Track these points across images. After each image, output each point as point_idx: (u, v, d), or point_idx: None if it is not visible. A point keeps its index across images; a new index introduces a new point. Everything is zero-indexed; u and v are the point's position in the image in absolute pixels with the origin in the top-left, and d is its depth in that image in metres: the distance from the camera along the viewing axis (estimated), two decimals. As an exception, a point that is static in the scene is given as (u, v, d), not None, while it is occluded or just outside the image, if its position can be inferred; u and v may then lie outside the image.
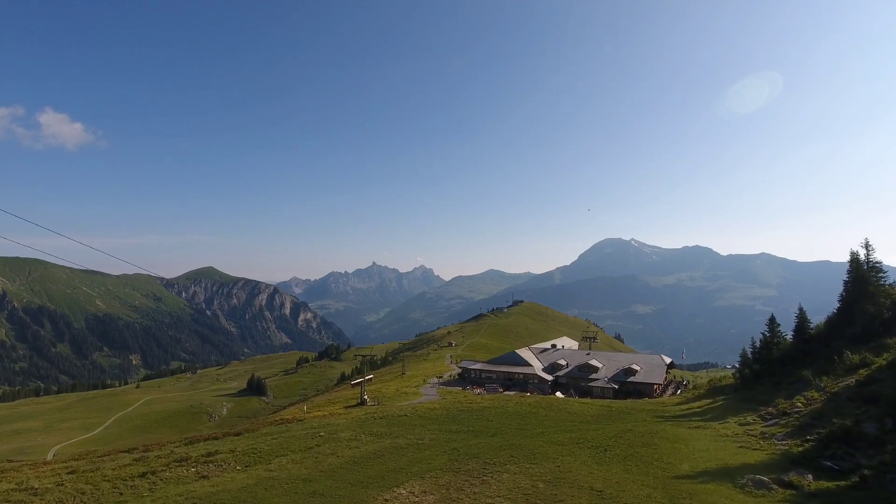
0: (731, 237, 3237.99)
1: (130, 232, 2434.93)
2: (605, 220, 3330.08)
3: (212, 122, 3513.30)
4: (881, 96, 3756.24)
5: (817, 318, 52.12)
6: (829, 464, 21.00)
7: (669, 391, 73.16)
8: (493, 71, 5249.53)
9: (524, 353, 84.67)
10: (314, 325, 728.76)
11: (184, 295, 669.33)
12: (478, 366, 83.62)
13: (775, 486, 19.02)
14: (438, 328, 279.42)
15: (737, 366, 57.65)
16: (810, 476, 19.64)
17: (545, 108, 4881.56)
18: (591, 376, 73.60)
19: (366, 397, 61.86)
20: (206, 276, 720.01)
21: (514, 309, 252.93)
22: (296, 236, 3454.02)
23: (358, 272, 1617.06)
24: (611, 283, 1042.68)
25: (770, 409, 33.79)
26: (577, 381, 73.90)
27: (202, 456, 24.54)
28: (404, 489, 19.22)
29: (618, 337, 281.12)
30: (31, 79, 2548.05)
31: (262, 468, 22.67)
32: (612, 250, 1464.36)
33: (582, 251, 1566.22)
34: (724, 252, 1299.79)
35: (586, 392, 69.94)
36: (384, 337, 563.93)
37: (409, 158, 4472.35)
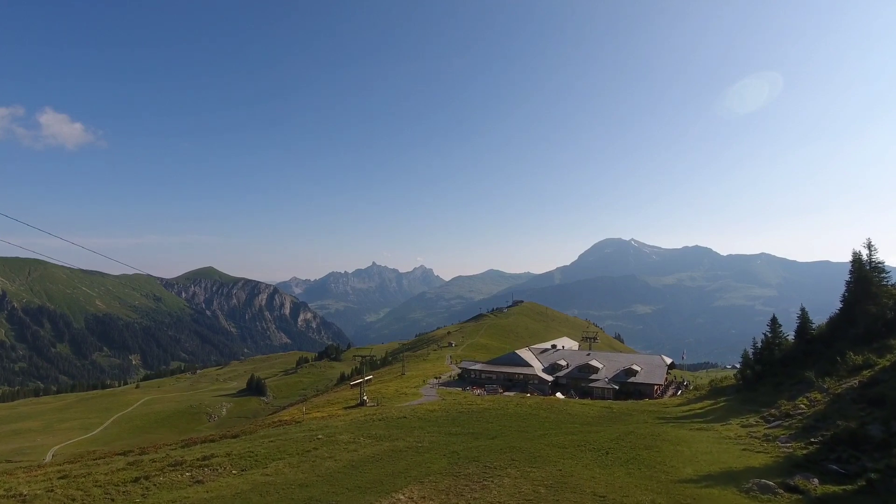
0: (731, 237, 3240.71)
1: (130, 232, 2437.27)
2: (605, 220, 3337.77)
3: (212, 122, 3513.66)
4: (881, 96, 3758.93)
5: (817, 318, 51.92)
6: (834, 467, 20.61)
7: (670, 392, 72.84)
8: (493, 71, 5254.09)
9: (524, 353, 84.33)
10: (314, 326, 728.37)
11: (183, 295, 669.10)
12: (478, 366, 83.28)
13: (781, 491, 18.65)
14: (438, 328, 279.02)
15: (737, 366, 57.44)
16: (816, 480, 19.26)
17: (545, 108, 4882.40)
18: (591, 377, 73.28)
19: (365, 398, 61.51)
20: (205, 277, 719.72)
21: (514, 309, 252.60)
22: (296, 236, 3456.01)
23: (358, 272, 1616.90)
24: (611, 283, 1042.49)
25: (773, 411, 33.45)
26: (577, 381, 73.58)
27: (197, 460, 24.14)
28: (403, 494, 18.83)
29: (618, 337, 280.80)
30: (31, 79, 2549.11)
31: (259, 472, 22.25)
32: (612, 250, 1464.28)
33: (582, 251, 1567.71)
34: (724, 252, 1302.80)
35: (587, 393, 69.64)
36: (384, 337, 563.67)
37: (409, 158, 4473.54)
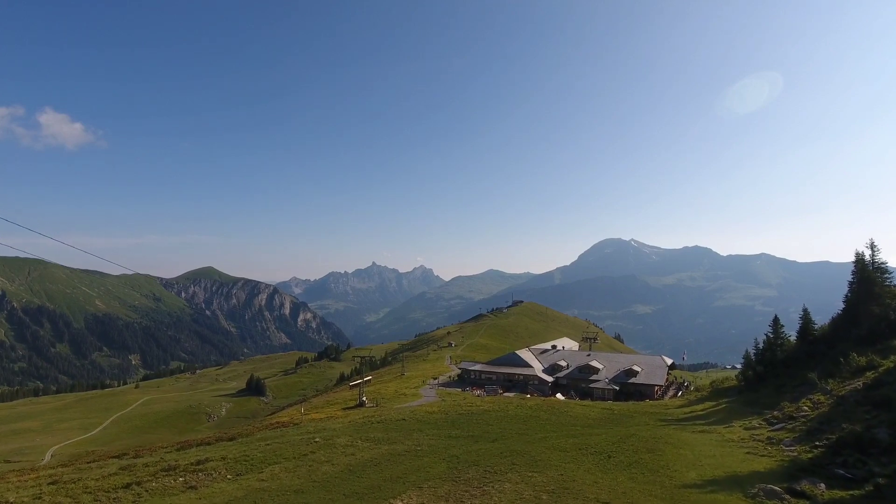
0: (731, 237, 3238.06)
1: (130, 232, 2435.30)
2: (605, 220, 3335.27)
3: (212, 122, 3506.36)
4: (881, 96, 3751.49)
5: (817, 319, 51.69)
6: (841, 472, 20.18)
7: (671, 393, 72.47)
8: (493, 71, 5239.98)
9: (524, 353, 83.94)
10: (314, 326, 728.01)
11: (183, 295, 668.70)
12: (477, 367, 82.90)
13: (787, 497, 18.23)
14: (438, 328, 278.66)
15: (737, 366, 57.30)
16: (823, 485, 18.85)
17: (545, 108, 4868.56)
18: (591, 377, 72.89)
19: (364, 399, 61.20)
20: (205, 277, 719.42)
21: (514, 309, 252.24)
22: (295, 236, 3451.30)
23: (358, 272, 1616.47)
24: (611, 284, 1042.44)
25: (776, 413, 33.07)
26: (577, 382, 73.20)
27: (192, 464, 23.67)
28: (401, 501, 18.39)
29: (617, 337, 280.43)
30: (31, 79, 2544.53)
31: (254, 477, 21.75)
32: (612, 250, 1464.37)
33: (582, 251, 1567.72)
34: (724, 252, 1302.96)
35: (587, 394, 69.29)
36: (384, 337, 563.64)
37: (410, 158, 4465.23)
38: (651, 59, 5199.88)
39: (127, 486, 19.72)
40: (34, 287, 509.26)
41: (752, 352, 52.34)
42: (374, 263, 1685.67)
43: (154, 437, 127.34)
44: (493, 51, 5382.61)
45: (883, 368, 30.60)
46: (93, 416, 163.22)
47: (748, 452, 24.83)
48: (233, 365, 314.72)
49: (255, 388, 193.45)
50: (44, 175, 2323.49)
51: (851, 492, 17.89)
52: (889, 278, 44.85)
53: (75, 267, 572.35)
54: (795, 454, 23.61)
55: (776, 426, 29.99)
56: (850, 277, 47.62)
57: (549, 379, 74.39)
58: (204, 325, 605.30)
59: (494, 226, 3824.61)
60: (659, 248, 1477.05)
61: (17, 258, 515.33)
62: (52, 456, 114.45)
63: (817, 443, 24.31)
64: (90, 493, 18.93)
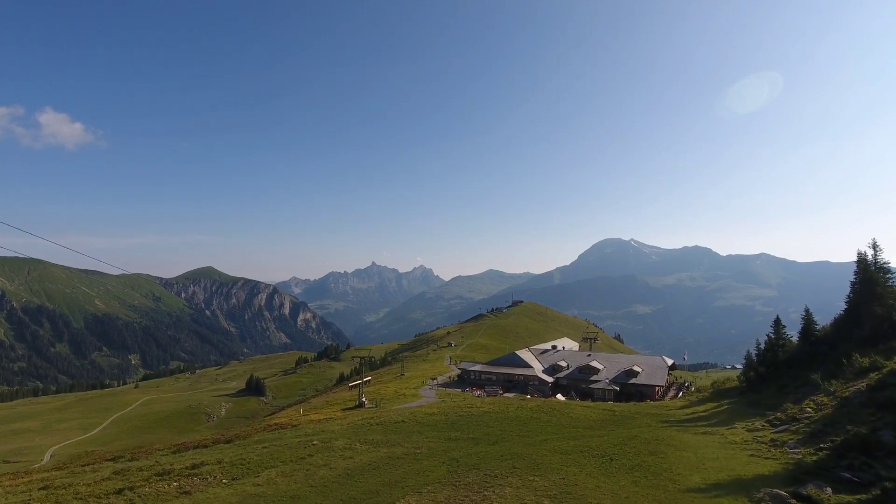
0: (731, 237, 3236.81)
1: (130, 232, 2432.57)
2: (605, 220, 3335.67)
3: (212, 122, 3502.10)
4: (881, 96, 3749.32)
5: (818, 319, 51.24)
6: (847, 475, 19.78)
7: (671, 393, 72.10)
8: (493, 71, 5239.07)
9: (524, 354, 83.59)
10: (313, 326, 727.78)
11: (183, 295, 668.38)
12: (477, 367, 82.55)
13: (793, 501, 17.83)
14: (438, 328, 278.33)
15: (737, 366, 57.08)
16: (829, 489, 18.44)
17: (545, 108, 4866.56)
18: (591, 378, 72.53)
19: (364, 399, 60.83)
20: (205, 276, 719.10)
21: (514, 309, 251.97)
22: (295, 236, 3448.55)
23: (357, 272, 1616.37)
24: (611, 284, 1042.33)
25: (778, 415, 32.71)
26: (577, 382, 72.85)
27: (187, 468, 23.26)
28: (399, 505, 18.05)
29: (617, 337, 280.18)
30: (31, 79, 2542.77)
31: (250, 482, 21.33)
32: (611, 250, 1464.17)
33: (582, 251, 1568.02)
34: (723, 252, 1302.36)
35: (587, 394, 68.94)
36: (383, 337, 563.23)
37: (410, 158, 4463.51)
38: (651, 59, 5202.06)
39: (119, 491, 19.28)
40: (34, 287, 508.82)
41: (753, 352, 51.96)
42: (373, 263, 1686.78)
43: (153, 437, 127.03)
44: (493, 51, 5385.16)
45: (887, 370, 30.22)
46: (92, 417, 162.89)
47: (752, 455, 24.44)
48: (232, 365, 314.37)
49: (254, 388, 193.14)
50: (44, 175, 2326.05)
51: (858, 496, 17.49)
52: (892, 278, 44.36)
53: (75, 267, 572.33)
54: (800, 457, 23.23)
55: (779, 428, 29.62)
56: (851, 277, 47.17)
57: (550, 379, 74.04)
58: (204, 324, 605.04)
59: (494, 226, 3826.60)
60: (659, 248, 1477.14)
61: (16, 258, 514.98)
62: (51, 456, 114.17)
63: (822, 445, 23.91)
64: (81, 499, 18.50)
